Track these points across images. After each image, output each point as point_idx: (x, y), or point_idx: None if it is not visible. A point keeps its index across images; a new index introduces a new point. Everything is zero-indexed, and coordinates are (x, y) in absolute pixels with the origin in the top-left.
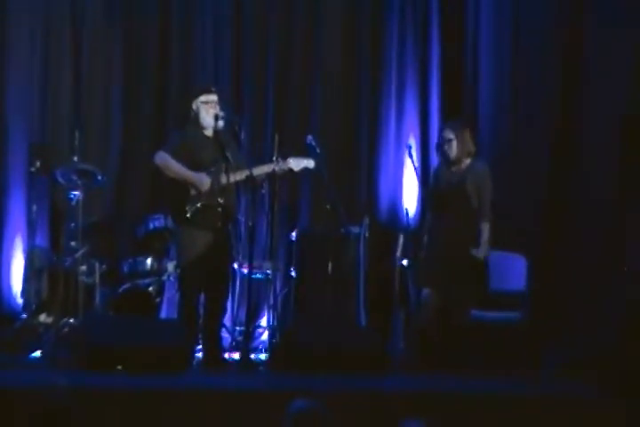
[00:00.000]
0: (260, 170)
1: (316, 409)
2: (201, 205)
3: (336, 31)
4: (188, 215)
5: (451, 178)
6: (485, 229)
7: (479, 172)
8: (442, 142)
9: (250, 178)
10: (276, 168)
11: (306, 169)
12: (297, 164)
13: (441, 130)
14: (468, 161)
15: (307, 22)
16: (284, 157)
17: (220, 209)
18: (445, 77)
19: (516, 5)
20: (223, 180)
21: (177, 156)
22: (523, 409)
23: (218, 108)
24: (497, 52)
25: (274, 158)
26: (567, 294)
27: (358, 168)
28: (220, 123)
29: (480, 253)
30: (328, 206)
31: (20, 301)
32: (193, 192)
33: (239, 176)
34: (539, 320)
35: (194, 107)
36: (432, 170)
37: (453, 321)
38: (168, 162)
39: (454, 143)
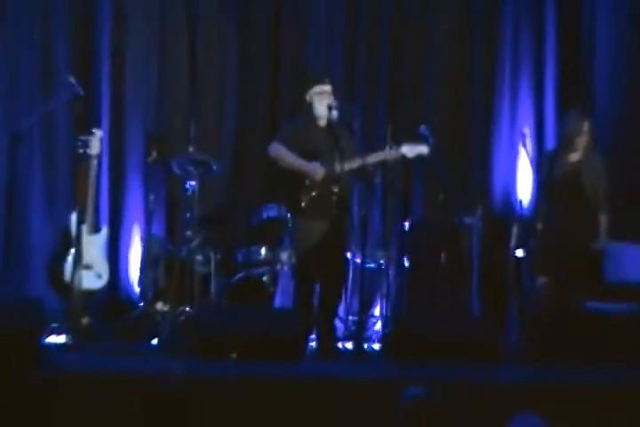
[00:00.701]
0: (373, 158)
1: (430, 397)
2: (315, 194)
3: (450, 20)
4: (302, 204)
5: (566, 167)
6: (603, 221)
7: (596, 164)
8: (573, 133)
9: (363, 166)
10: (389, 156)
11: (419, 156)
12: (411, 150)
13: (578, 120)
14: (585, 152)
15: (420, 11)
16: (398, 145)
17: (334, 198)
18: (561, 65)
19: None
20: (337, 169)
21: (291, 146)
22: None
23: (331, 98)
24: (613, 44)
25: (387, 147)
26: None
27: (471, 157)
28: (334, 113)
29: (599, 245)
30: (441, 196)
31: (137, 289)
32: (307, 181)
33: (352, 165)
34: None
35: (307, 97)
36: (545, 158)
37: (568, 311)
38: (282, 153)
39: (589, 135)
